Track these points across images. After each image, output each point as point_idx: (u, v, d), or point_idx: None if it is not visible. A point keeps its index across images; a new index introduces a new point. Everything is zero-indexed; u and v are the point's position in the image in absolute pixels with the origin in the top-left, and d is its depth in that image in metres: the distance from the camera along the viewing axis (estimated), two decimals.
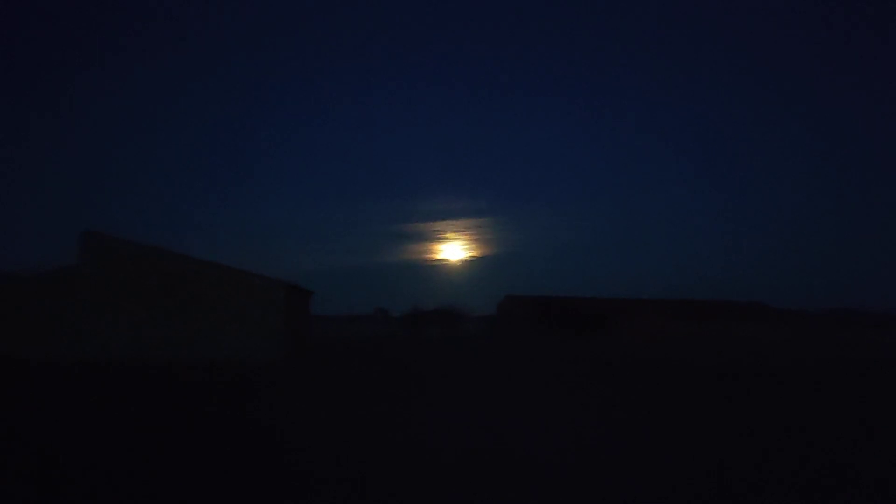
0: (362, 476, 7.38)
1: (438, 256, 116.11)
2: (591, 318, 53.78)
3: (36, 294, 25.82)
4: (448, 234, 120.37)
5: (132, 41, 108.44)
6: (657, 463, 8.17)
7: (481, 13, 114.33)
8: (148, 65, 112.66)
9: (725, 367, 23.94)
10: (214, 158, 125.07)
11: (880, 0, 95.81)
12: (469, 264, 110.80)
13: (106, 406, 12.68)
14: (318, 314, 47.81)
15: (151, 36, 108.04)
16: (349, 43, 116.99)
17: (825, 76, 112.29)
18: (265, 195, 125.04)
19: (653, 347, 38.35)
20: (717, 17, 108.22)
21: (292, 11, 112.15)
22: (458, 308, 60.28)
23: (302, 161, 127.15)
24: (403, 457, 8.33)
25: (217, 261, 27.21)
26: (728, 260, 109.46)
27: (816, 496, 6.79)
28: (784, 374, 21.24)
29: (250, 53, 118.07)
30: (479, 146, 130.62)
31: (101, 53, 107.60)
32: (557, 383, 17.69)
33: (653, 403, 13.75)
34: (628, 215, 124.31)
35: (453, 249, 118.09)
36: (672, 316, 54.92)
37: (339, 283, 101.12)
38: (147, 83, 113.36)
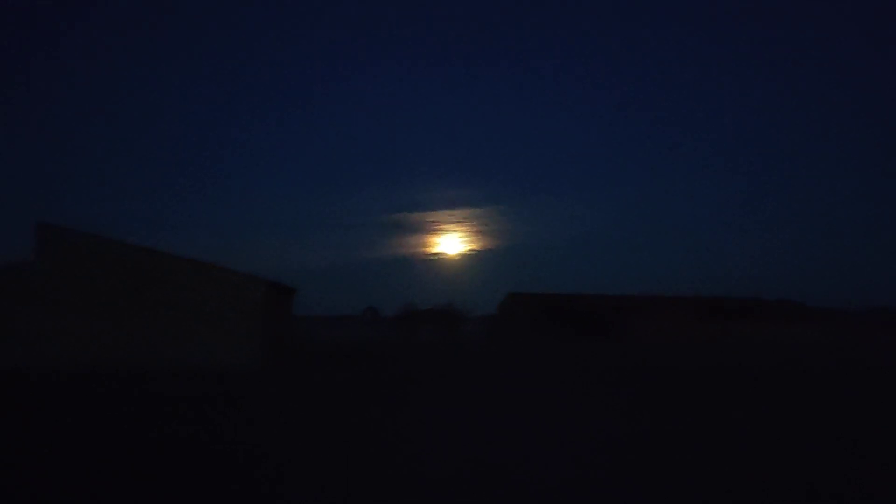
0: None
1: (434, 250, 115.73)
2: (603, 319, 53.70)
3: None
4: (445, 226, 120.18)
5: (100, 20, 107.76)
6: (683, 485, 7.87)
7: None
8: (115, 45, 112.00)
9: (754, 373, 23.80)
10: (187, 144, 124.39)
11: None
12: (468, 259, 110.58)
13: (55, 421, 12.37)
14: (301, 315, 47.64)
15: (118, 13, 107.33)
16: (334, 18, 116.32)
17: (871, 54, 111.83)
18: (242, 184, 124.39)
19: (673, 350, 38.35)
20: None
21: None
22: (456, 307, 60.13)
23: (283, 146, 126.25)
24: (395, 482, 8.02)
25: (188, 256, 27.10)
26: (756, 254, 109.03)
27: None
28: (823, 381, 21.07)
29: (227, 30, 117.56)
30: (480, 128, 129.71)
31: (64, 33, 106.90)
32: (567, 392, 17.54)
33: (677, 416, 13.52)
34: (645, 204, 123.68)
35: (451, 242, 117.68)
36: (694, 316, 54.77)
37: (325, 280, 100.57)
38: (113, 63, 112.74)
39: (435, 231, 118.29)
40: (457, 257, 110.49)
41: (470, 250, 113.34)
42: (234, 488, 7.55)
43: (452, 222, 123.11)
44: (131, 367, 24.39)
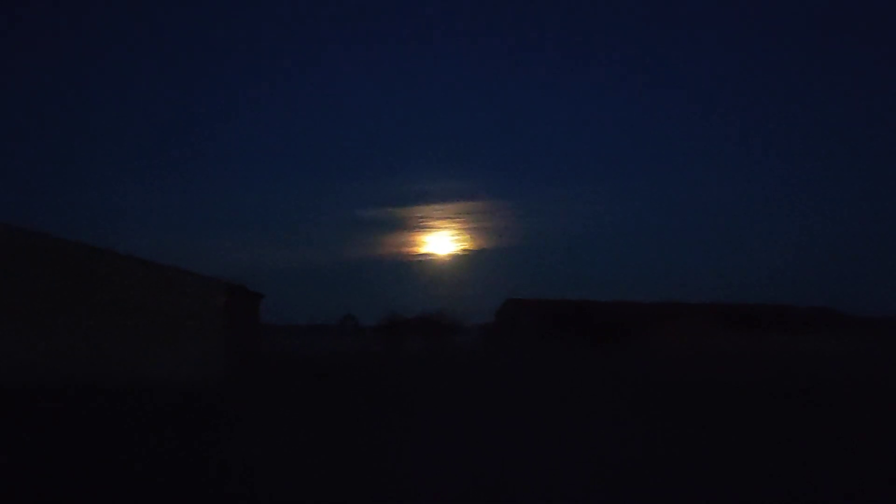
0: None
1: (422, 250, 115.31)
2: (617, 328, 53.58)
3: None
4: (434, 222, 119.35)
5: None
6: None
7: None
8: (61, 23, 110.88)
9: (789, 389, 23.69)
10: (138, 128, 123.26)
11: None
12: (461, 260, 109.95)
13: None
14: (269, 323, 47.26)
15: None
16: None
17: None
18: (201, 175, 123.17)
19: (696, 363, 38.32)
20: None
21: None
22: (447, 315, 59.81)
23: (247, 133, 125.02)
24: None
25: (140, 255, 27.13)
26: (790, 256, 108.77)
27: None
28: (867, 398, 20.95)
29: (186, 8, 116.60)
30: (475, 109, 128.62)
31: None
32: (578, 412, 17.42)
33: (710, 438, 13.29)
34: (665, 199, 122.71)
35: (441, 241, 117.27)
36: (719, 324, 54.73)
37: (297, 284, 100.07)
38: (46, 32, 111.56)
39: (423, 228, 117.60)
40: (448, 258, 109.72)
41: (463, 250, 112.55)
42: None
43: (443, 218, 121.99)
44: (65, 384, 24.00)
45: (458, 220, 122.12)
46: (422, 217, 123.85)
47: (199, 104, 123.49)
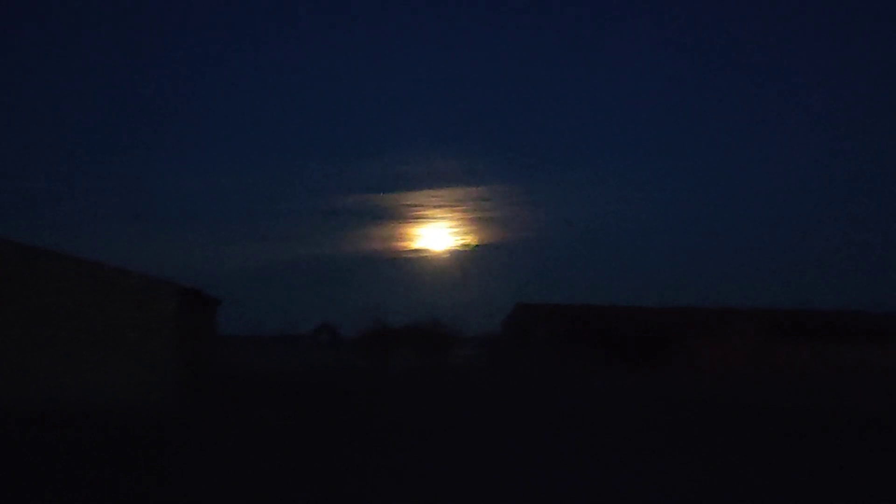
0: None
1: (413, 246, 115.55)
2: (650, 339, 53.61)
3: None
4: (429, 212, 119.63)
5: None
6: None
7: None
8: None
9: (866, 415, 23.66)
10: (71, 104, 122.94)
11: None
12: (460, 257, 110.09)
13: None
14: (228, 335, 47.19)
15: None
16: None
17: None
18: (145, 157, 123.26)
19: (749, 383, 38.36)
20: None
21: None
22: (443, 324, 59.79)
23: (199, 105, 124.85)
24: None
25: (72, 253, 27.09)
26: (855, 254, 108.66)
27: None
28: None
29: None
30: (477, 75, 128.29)
31: None
32: (605, 446, 17.38)
33: (769, 478, 13.20)
34: (707, 185, 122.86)
35: (436, 235, 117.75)
36: (776, 334, 54.77)
37: (262, 287, 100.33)
38: None
39: (414, 219, 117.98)
40: (445, 255, 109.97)
41: (463, 246, 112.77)
42: None
43: (438, 206, 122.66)
44: None
45: (456, 208, 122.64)
46: (412, 205, 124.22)
47: (141, 76, 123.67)
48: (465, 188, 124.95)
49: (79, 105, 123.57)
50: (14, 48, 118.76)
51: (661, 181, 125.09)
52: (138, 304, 26.59)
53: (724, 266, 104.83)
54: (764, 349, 53.90)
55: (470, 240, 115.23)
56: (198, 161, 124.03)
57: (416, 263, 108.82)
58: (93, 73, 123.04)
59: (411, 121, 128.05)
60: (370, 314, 60.19)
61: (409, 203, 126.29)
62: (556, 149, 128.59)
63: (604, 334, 54.39)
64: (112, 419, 21.48)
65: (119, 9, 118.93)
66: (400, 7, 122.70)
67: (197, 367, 30.35)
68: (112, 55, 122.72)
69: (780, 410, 25.25)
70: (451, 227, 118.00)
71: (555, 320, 57.57)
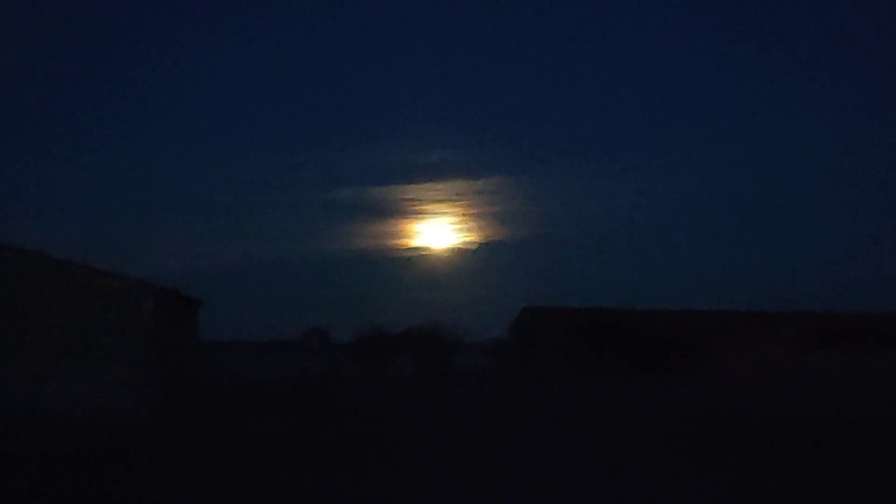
0: None
1: (412, 244, 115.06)
2: (672, 346, 53.56)
3: None
4: (428, 206, 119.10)
5: None
6: None
7: None
8: None
9: None
10: (34, 88, 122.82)
11: None
12: (463, 257, 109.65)
13: None
14: (211, 339, 47.05)
15: None
16: None
17: None
18: (121, 146, 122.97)
19: (780, 392, 38.15)
20: None
21: None
22: (444, 329, 59.85)
23: (178, 87, 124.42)
24: None
25: (39, 250, 27.35)
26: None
27: None
28: None
29: None
30: (482, 56, 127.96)
31: None
32: (625, 465, 17.38)
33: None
34: (736, 178, 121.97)
35: (437, 232, 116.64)
36: (810, 340, 54.55)
37: (248, 288, 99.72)
38: None
39: (412, 214, 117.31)
40: (446, 254, 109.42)
41: (466, 244, 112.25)
42: None
43: (439, 200, 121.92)
44: None
45: (458, 203, 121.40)
46: (411, 199, 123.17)
47: (113, 61, 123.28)
48: (467, 181, 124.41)
49: (41, 89, 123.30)
50: None
51: (684, 173, 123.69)
52: (111, 306, 26.77)
53: (753, 265, 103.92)
54: (798, 356, 53.68)
55: (471, 237, 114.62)
56: (174, 150, 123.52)
57: (415, 262, 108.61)
58: (61, 58, 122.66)
59: (409, 106, 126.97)
60: (365, 318, 60.33)
61: (406, 197, 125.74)
62: (568, 137, 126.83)
63: (620, 340, 54.27)
64: (82, 432, 21.65)
65: None
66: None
67: (176, 376, 30.34)
68: (84, 38, 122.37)
69: (820, 424, 25.15)
70: (452, 223, 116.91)
71: (566, 325, 57.46)
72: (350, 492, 13.47)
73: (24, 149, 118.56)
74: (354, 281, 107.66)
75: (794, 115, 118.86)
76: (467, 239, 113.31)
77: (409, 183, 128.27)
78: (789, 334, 55.14)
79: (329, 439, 20.46)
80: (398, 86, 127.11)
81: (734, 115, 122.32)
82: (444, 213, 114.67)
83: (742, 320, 59.01)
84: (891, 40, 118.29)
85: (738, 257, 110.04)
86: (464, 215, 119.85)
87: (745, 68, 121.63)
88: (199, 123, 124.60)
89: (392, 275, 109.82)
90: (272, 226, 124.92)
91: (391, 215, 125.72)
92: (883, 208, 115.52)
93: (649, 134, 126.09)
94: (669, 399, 34.72)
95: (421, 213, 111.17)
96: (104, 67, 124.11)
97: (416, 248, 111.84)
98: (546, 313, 60.84)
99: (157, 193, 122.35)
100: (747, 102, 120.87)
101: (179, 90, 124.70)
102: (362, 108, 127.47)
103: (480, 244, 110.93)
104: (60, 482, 14.17)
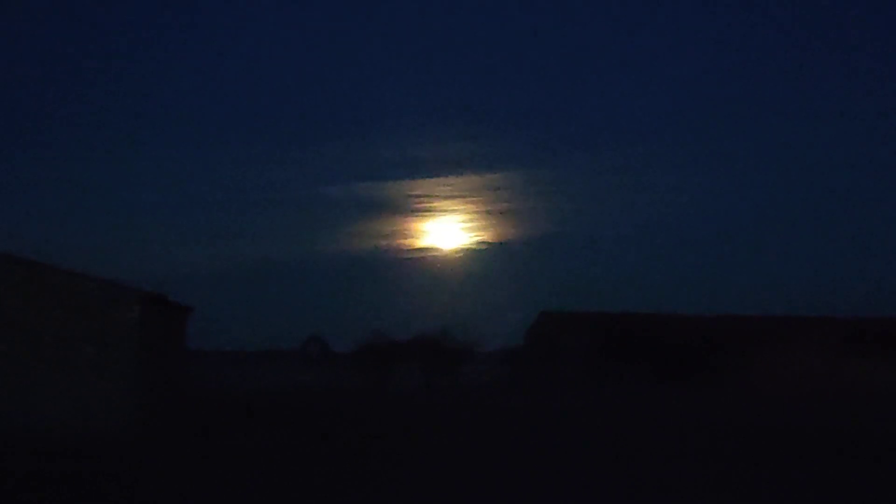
0: None
1: (419, 243, 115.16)
2: (698, 353, 53.51)
3: None
4: (437, 203, 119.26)
5: None
6: None
7: None
8: None
9: None
10: (24, 89, 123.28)
11: None
12: (475, 257, 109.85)
13: None
14: (202, 348, 47.18)
15: None
16: None
17: None
18: (105, 144, 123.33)
19: (810, 401, 38.31)
20: None
21: None
22: (455, 336, 59.90)
23: (168, 82, 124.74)
24: None
25: (17, 253, 27.27)
26: None
27: None
28: None
29: None
30: (494, 45, 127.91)
31: None
32: (650, 480, 17.40)
33: None
34: (764, 173, 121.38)
35: (446, 231, 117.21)
36: (843, 347, 54.47)
37: (240, 293, 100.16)
38: None
39: (420, 212, 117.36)
40: (456, 254, 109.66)
41: (478, 244, 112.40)
42: None
43: (449, 197, 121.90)
44: None
45: (470, 200, 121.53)
46: (419, 196, 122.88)
47: (99, 58, 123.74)
48: (479, 176, 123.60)
49: (28, 89, 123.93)
50: None
51: (709, 169, 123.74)
52: (95, 313, 26.70)
53: (783, 268, 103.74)
54: (829, 363, 53.60)
55: (483, 236, 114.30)
56: (169, 146, 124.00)
57: (423, 264, 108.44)
58: (46, 61, 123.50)
59: (417, 97, 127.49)
60: (368, 325, 60.31)
61: (413, 193, 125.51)
62: (586, 130, 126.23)
63: (644, 347, 54.74)
64: (63, 446, 21.44)
65: None
66: None
67: (163, 387, 30.36)
68: (70, 34, 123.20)
69: (856, 436, 25.17)
70: (463, 222, 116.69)
71: (585, 331, 57.78)
72: None
73: (7, 148, 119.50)
74: (356, 285, 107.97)
75: (834, 114, 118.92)
76: (479, 238, 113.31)
77: (414, 178, 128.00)
78: (819, 340, 55.06)
79: (322, 457, 20.35)
80: (405, 76, 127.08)
81: (769, 112, 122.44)
82: (454, 211, 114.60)
83: (771, 325, 58.90)
84: None
85: (766, 259, 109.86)
86: (475, 213, 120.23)
87: (777, 63, 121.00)
88: (190, 120, 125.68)
89: (397, 278, 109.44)
90: (264, 226, 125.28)
91: (396, 213, 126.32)
92: None
93: (674, 128, 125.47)
94: (697, 407, 34.72)
95: (428, 211, 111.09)
96: (91, 69, 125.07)
97: (423, 249, 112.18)
98: (566, 318, 60.85)
99: (143, 194, 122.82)
100: (784, 98, 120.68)
101: (175, 83, 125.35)
102: (366, 100, 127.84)
103: (493, 244, 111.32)
104: (36, 501, 14.16)
